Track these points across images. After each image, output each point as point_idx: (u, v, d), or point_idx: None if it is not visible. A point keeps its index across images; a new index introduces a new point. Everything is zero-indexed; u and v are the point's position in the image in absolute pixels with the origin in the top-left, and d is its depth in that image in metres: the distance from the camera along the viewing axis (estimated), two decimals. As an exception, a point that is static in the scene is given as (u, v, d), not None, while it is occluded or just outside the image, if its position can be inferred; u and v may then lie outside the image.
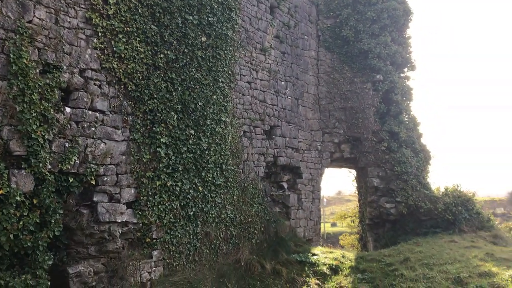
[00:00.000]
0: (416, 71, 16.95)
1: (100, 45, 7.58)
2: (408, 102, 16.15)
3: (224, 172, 10.17)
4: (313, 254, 11.37)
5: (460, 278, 9.19)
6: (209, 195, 9.64)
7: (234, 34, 10.86)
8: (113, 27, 7.75)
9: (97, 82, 7.55)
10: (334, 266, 10.66)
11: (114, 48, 7.77)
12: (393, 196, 14.86)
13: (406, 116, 15.85)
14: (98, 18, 7.53)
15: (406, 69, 16.67)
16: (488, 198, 53.22)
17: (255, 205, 11.34)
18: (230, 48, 10.68)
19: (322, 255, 11.43)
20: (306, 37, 14.78)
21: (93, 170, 7.26)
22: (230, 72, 10.67)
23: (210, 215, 9.66)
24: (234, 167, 10.65)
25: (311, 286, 9.62)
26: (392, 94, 15.56)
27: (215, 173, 9.83)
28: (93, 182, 7.30)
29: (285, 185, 13.29)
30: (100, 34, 7.57)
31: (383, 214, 15.01)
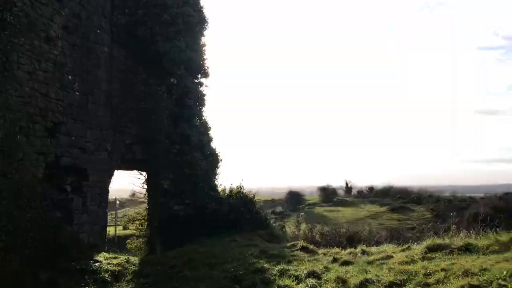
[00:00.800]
0: (210, 78, 17.65)
1: None
2: (201, 107, 16.77)
3: (-8, 174, 8.86)
4: (96, 261, 10.76)
5: (237, 276, 9.80)
6: (-30, 200, 8.27)
7: (11, 18, 9.58)
8: None
9: None
10: (117, 272, 10.26)
11: None
12: (183, 198, 15.19)
13: (198, 121, 16.43)
14: None
15: (199, 76, 17.25)
16: (269, 198, 59.13)
17: (31, 210, 10.15)
18: (6, 33, 9.39)
19: (105, 261, 10.89)
20: (99, 31, 13.95)
21: None
22: (4, 59, 9.37)
23: (-30, 223, 8.28)
24: (6, 167, 9.37)
25: (89, 296, 9.07)
26: (186, 98, 15.93)
27: (-21, 175, 8.48)
28: None
29: (69, 188, 12.30)
30: None
31: (172, 216, 15.19)
